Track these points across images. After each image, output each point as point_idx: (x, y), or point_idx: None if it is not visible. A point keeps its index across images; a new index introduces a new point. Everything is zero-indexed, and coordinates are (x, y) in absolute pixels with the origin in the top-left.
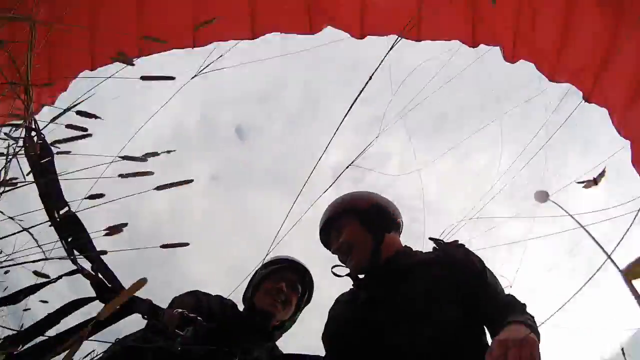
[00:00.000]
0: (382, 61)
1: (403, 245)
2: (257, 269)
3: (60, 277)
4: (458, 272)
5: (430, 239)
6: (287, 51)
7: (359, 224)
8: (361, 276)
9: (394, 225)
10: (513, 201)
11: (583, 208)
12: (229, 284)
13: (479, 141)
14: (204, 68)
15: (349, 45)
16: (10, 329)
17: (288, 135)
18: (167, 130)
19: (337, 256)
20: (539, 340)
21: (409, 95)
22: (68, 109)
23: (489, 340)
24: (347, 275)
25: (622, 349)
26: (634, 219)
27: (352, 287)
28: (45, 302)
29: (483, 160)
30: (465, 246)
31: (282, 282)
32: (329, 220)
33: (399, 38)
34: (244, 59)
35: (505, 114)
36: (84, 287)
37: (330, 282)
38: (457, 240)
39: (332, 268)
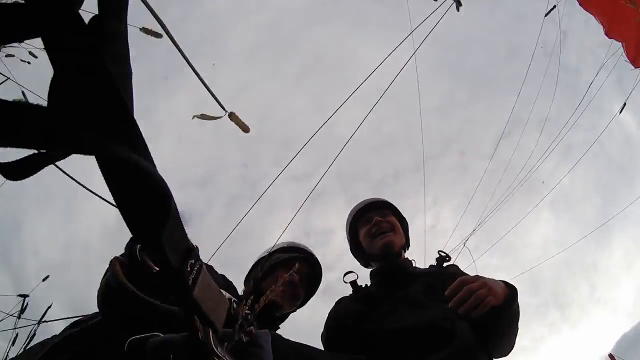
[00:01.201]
0: (312, 135)
1: None
2: (272, 249)
3: None
4: (449, 278)
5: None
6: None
7: (400, 224)
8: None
9: (409, 242)
10: None
11: None
12: None
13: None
14: None
15: (282, 124)
16: None
17: (230, 217)
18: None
19: (364, 231)
20: (511, 293)
21: (346, 167)
22: None
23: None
24: (353, 285)
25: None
26: None
27: (353, 289)
28: None
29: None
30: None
31: (298, 275)
32: (379, 202)
33: None
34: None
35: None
36: None
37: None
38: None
39: (344, 276)
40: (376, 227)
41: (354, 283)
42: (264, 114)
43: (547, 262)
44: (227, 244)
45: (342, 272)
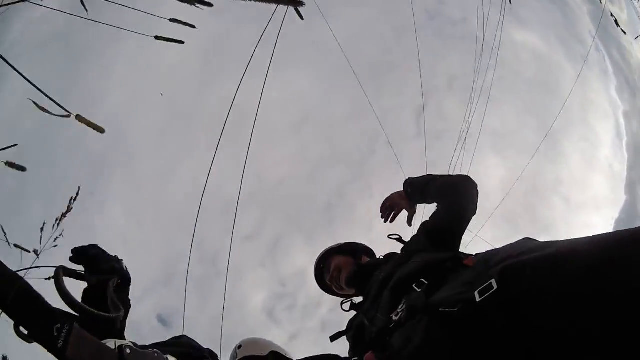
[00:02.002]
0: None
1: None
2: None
3: None
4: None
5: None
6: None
7: (340, 256)
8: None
9: (363, 251)
10: None
11: None
12: None
13: None
14: None
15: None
16: None
17: (208, 299)
18: None
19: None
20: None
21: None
22: None
23: None
24: (350, 306)
25: None
26: None
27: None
28: None
29: None
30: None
31: None
32: (317, 265)
33: None
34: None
35: None
36: None
37: None
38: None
39: (341, 305)
40: (334, 283)
41: (354, 306)
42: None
43: (514, 197)
44: (216, 325)
45: (331, 304)
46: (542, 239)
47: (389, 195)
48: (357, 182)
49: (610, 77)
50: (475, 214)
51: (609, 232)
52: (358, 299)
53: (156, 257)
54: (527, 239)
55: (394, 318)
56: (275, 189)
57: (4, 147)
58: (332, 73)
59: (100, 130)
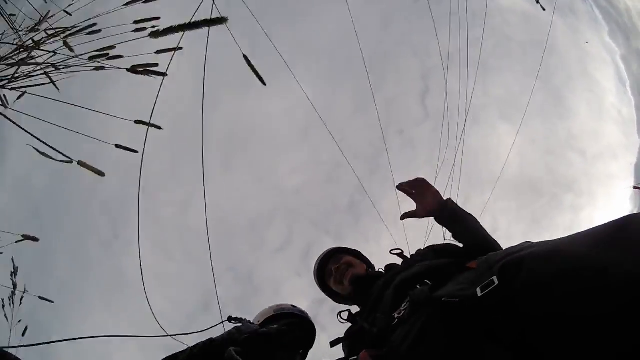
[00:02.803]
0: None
1: None
2: (260, 319)
3: None
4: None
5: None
6: None
7: (354, 257)
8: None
9: (372, 267)
10: None
11: None
12: None
13: None
14: None
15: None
16: None
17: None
18: None
19: (332, 279)
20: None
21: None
22: None
23: None
24: (348, 316)
25: None
26: None
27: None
28: None
29: None
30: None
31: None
32: (329, 252)
33: None
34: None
35: None
36: None
37: None
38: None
39: (338, 315)
40: (337, 274)
41: (350, 317)
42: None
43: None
44: None
45: None
46: (566, 197)
47: (429, 185)
48: (375, 175)
49: (601, 24)
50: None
51: (605, 222)
52: (354, 310)
53: (191, 286)
54: (529, 241)
55: (396, 316)
56: (296, 197)
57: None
58: (327, 73)
59: (100, 174)
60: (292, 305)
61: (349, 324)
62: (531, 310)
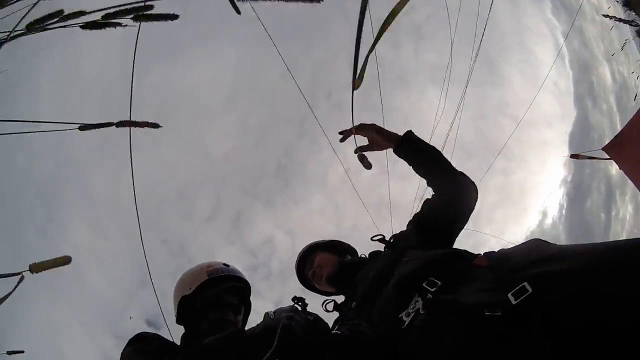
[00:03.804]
0: None
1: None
2: (189, 287)
3: None
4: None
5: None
6: None
7: (325, 252)
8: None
9: (348, 251)
10: None
11: None
12: None
13: None
14: None
15: None
16: None
17: None
18: None
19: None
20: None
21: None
22: None
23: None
24: (334, 306)
25: None
26: None
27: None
28: None
29: None
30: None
31: (229, 310)
32: (301, 259)
33: None
34: None
35: None
36: None
37: None
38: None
39: (322, 304)
40: (315, 280)
41: (337, 306)
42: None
43: (463, 126)
44: None
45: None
46: (497, 161)
47: (374, 126)
48: (303, 138)
49: (545, 1)
50: (467, 221)
51: (623, 239)
52: (340, 299)
53: (128, 265)
54: (538, 240)
55: (405, 319)
56: (224, 164)
57: None
58: (249, 40)
59: (66, 262)
60: (224, 264)
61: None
62: (573, 323)
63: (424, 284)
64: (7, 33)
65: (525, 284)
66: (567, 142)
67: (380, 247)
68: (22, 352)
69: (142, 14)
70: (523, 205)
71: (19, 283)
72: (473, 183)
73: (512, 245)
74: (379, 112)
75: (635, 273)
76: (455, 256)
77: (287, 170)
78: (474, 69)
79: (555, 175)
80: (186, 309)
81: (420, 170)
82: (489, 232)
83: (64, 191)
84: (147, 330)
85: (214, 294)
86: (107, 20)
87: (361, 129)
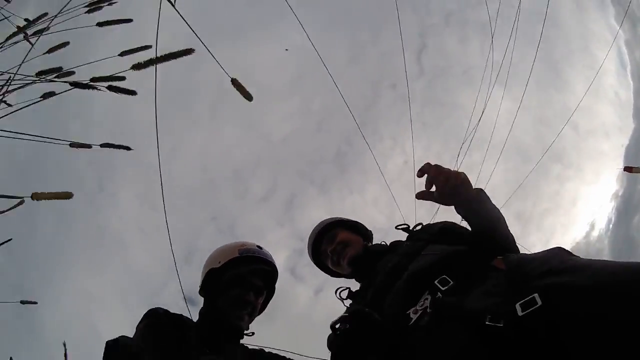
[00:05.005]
0: None
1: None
2: (218, 260)
3: None
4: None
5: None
6: None
7: (349, 231)
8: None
9: (369, 237)
10: None
11: None
12: None
13: None
14: None
15: None
16: None
17: None
18: None
19: (329, 260)
20: (474, 189)
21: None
22: None
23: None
24: (348, 294)
25: None
26: None
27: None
28: None
29: None
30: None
31: (250, 292)
32: (322, 230)
33: None
34: None
35: None
36: None
37: None
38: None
39: (336, 292)
40: (334, 256)
41: (352, 294)
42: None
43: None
44: None
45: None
46: (554, 167)
47: (459, 175)
48: (365, 127)
49: (608, 7)
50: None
51: None
52: (353, 287)
53: (174, 239)
54: (560, 249)
55: (412, 316)
56: (283, 146)
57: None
58: (323, 25)
59: (67, 196)
60: (258, 246)
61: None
62: (579, 346)
63: (435, 282)
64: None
65: (536, 295)
66: (622, 155)
67: (404, 236)
68: (36, 303)
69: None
70: (573, 214)
71: (16, 206)
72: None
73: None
74: (441, 105)
75: None
76: (474, 255)
77: (345, 157)
78: (535, 69)
79: (607, 188)
80: (211, 282)
81: (473, 227)
82: (536, 238)
83: (116, 160)
84: (184, 306)
85: (240, 273)
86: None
87: (440, 178)
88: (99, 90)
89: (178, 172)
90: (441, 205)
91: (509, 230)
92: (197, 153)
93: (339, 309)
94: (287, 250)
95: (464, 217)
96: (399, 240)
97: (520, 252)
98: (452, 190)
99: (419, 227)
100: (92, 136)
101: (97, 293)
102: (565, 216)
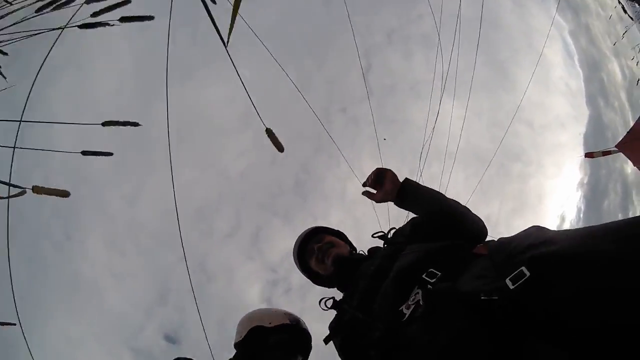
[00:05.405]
0: None
1: None
2: (269, 322)
3: None
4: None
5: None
6: None
7: (337, 237)
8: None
9: (354, 247)
10: None
11: None
12: None
13: None
14: None
15: None
16: None
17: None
18: None
19: (312, 261)
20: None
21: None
22: None
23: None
24: (333, 304)
25: None
26: None
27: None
28: None
29: None
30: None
31: (291, 357)
32: (311, 232)
33: None
34: None
35: None
36: None
37: None
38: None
39: (320, 302)
40: (319, 253)
41: (336, 304)
42: None
43: (477, 134)
44: (222, 328)
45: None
46: (514, 166)
47: (388, 172)
48: (320, 153)
49: (550, 0)
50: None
51: (622, 219)
52: (335, 295)
53: (146, 281)
54: (537, 227)
55: (405, 311)
56: (242, 181)
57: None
58: (263, 59)
59: (65, 195)
60: (299, 319)
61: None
62: (577, 306)
63: (423, 276)
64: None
65: (523, 268)
66: (581, 144)
67: (380, 244)
68: (14, 324)
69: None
70: (541, 210)
71: (18, 195)
72: (477, 218)
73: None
74: (393, 123)
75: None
76: (455, 247)
77: (305, 186)
78: (482, 73)
79: (572, 178)
80: (254, 339)
81: (428, 208)
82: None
83: (81, 209)
84: (165, 345)
85: (288, 339)
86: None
87: (378, 180)
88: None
89: (142, 218)
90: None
91: (470, 212)
92: (158, 197)
93: (317, 336)
94: (261, 282)
95: (407, 207)
96: (377, 247)
97: None
98: (378, 177)
99: (393, 231)
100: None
101: (77, 337)
102: (534, 213)
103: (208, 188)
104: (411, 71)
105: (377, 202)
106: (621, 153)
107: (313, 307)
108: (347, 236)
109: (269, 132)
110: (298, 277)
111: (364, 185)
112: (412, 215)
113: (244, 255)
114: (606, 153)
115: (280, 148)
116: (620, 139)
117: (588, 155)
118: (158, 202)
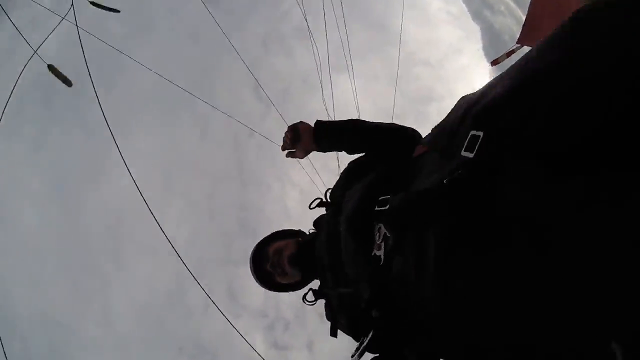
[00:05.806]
0: None
1: None
2: None
3: None
4: None
5: None
6: None
7: (278, 241)
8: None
9: (297, 234)
10: None
11: None
12: None
13: None
14: None
15: None
16: None
17: None
18: None
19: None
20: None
21: None
22: None
23: None
24: (314, 294)
25: None
26: None
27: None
28: None
29: None
30: None
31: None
32: (254, 258)
33: None
34: None
35: None
36: None
37: None
38: None
39: (303, 299)
40: (277, 269)
41: (317, 293)
42: None
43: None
44: None
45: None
46: (431, 108)
47: (299, 125)
48: (248, 186)
49: None
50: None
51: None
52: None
53: None
54: (464, 96)
55: (378, 253)
56: (191, 247)
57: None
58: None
59: (68, 84)
60: None
61: (312, 305)
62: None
63: (376, 208)
64: None
65: (472, 132)
66: (484, 57)
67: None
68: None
69: None
70: None
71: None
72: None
73: None
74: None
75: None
76: (393, 163)
77: (248, 222)
78: (362, 41)
79: None
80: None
81: (351, 152)
82: None
83: None
84: None
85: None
86: None
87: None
88: None
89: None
90: None
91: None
92: (124, 296)
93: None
94: (259, 333)
95: (330, 148)
96: (321, 215)
97: None
98: (294, 133)
99: (329, 192)
100: None
101: None
102: None
103: (166, 270)
104: (297, 66)
105: (301, 158)
106: (524, 47)
107: (321, 330)
108: (286, 228)
109: (52, 68)
110: (288, 309)
111: (284, 149)
112: None
113: (231, 316)
114: (510, 53)
115: (68, 83)
116: (518, 35)
117: (494, 62)
118: (124, 303)
